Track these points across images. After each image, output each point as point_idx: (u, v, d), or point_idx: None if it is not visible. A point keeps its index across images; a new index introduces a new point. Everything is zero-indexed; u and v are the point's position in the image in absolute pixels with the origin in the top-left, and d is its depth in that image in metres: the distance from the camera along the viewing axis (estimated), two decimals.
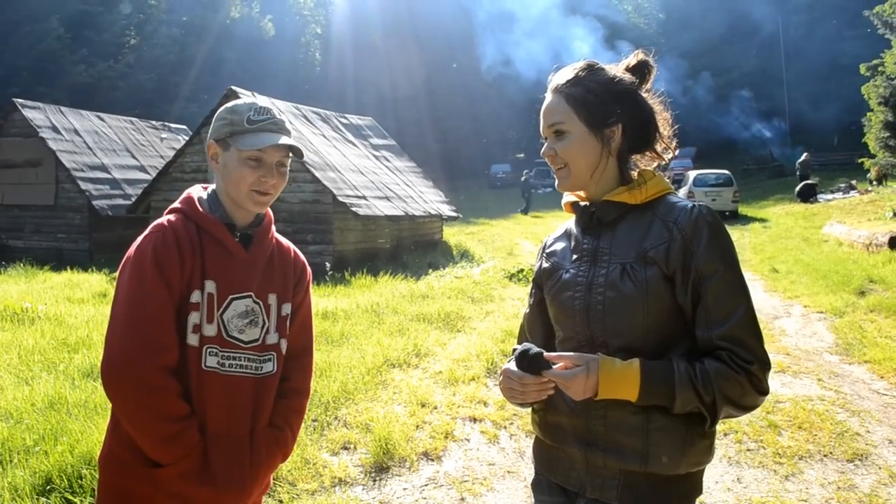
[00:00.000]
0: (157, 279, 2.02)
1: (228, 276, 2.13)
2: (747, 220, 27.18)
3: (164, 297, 2.02)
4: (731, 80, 53.68)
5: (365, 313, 10.00)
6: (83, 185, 20.50)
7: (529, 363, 1.87)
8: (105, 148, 22.82)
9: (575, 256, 2.02)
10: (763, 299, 11.51)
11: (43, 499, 4.08)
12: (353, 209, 16.95)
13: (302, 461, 4.87)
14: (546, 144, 2.02)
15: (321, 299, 11.51)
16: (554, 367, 1.84)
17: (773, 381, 6.85)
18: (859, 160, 31.00)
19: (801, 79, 53.04)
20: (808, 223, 23.11)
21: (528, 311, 2.23)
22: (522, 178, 36.37)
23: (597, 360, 1.81)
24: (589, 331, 1.92)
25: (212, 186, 2.27)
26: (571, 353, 1.85)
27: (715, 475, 4.81)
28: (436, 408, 6.12)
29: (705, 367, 1.79)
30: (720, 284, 1.82)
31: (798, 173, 33.48)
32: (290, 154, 2.20)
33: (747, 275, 14.15)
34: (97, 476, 2.20)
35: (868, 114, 28.54)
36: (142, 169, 23.27)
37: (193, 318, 2.07)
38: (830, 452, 5.17)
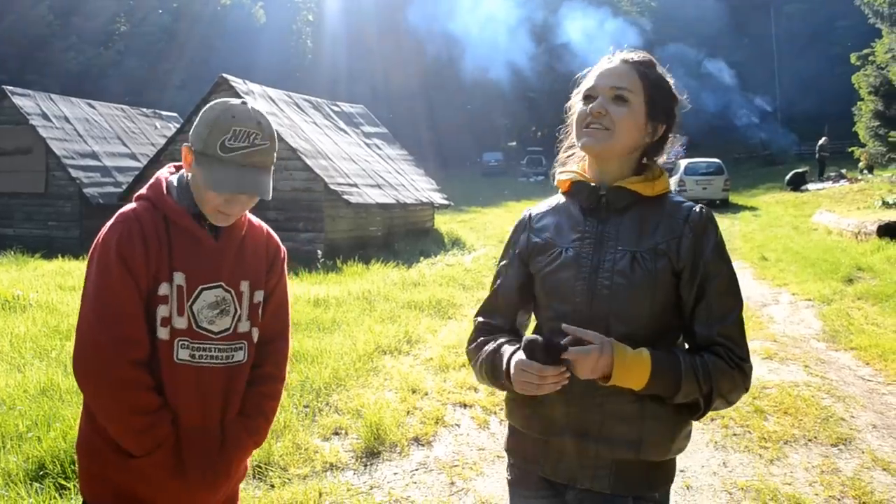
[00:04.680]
0: (123, 273, 1.98)
1: (197, 266, 2.08)
2: (738, 208, 27.30)
3: (131, 290, 1.99)
4: (722, 69, 53.65)
5: (356, 301, 10.04)
6: (74, 173, 20.41)
7: (548, 353, 1.79)
8: (96, 136, 22.71)
9: (575, 236, 2.01)
10: (752, 287, 11.57)
11: (36, 484, 4.11)
12: (345, 197, 16.95)
13: (294, 446, 4.91)
14: (598, 101, 1.97)
15: (312, 287, 11.54)
16: (567, 348, 1.80)
17: (761, 367, 6.92)
18: (849, 149, 31.13)
19: (793, 68, 53.09)
20: (798, 212, 23.23)
21: (505, 283, 2.17)
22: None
23: (611, 343, 1.81)
24: (591, 313, 1.92)
25: (183, 170, 2.17)
26: (590, 332, 1.82)
27: (701, 459, 4.88)
28: (426, 394, 6.16)
29: (706, 360, 1.86)
30: (723, 285, 1.91)
31: (817, 156, 33.57)
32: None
33: (737, 263, 14.23)
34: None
35: (858, 103, 28.66)
36: (132, 157, 23.18)
37: (162, 311, 2.03)
38: (815, 437, 5.24)
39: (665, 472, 2.00)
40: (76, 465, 4.14)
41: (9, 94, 21.24)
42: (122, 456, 2.03)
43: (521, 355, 1.86)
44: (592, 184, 2.03)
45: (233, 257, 2.16)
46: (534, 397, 1.91)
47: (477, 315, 2.24)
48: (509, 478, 2.18)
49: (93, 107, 24.39)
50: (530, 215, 2.19)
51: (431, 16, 50.37)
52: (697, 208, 1.96)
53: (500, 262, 2.23)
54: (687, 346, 1.98)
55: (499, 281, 2.19)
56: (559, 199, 2.15)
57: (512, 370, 1.90)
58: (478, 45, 48.37)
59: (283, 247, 2.36)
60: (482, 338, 2.14)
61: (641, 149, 2.02)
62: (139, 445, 2.01)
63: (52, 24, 42.88)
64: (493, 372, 2.03)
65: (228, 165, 1.98)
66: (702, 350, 1.89)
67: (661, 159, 2.09)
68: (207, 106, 2.08)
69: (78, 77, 42.19)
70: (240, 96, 17.54)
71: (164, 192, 2.11)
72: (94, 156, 21.72)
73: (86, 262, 2.10)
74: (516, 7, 50.02)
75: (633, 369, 1.80)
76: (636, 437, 1.89)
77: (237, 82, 18.34)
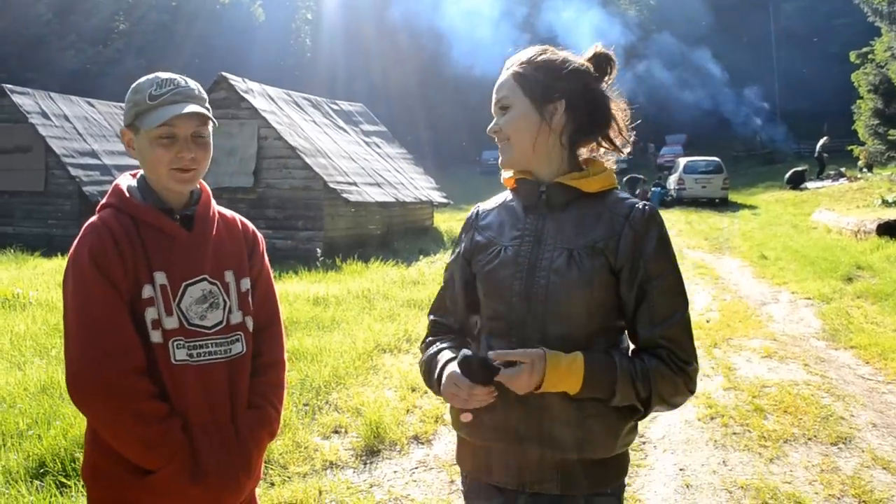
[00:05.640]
0: (101, 281, 1.93)
1: (177, 263, 2.04)
2: (737, 206, 27.32)
3: (112, 298, 1.94)
4: (721, 67, 53.64)
5: (356, 299, 10.05)
6: (73, 171, 20.39)
7: (482, 373, 1.78)
8: (95, 134, 22.68)
9: (516, 234, 1.98)
10: (751, 286, 11.59)
11: (37, 482, 4.11)
12: (344, 195, 16.95)
13: (293, 445, 4.91)
14: (493, 121, 2.01)
15: (312, 285, 11.54)
16: (501, 369, 1.78)
17: (760, 365, 6.94)
18: (849, 147, 31.14)
19: (791, 66, 53.12)
20: (798, 210, 23.23)
21: (452, 282, 2.14)
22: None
23: (542, 355, 1.78)
24: (527, 313, 1.90)
25: (141, 172, 2.15)
26: (517, 350, 1.80)
27: (701, 458, 4.88)
28: (426, 392, 6.15)
29: (645, 364, 1.83)
30: (665, 286, 1.87)
31: (816, 155, 33.59)
32: (208, 122, 2.09)
33: (736, 261, 14.29)
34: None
35: (858, 101, 28.66)
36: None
37: (150, 313, 1.98)
38: (815, 436, 5.24)
39: (616, 467, 1.97)
40: (77, 464, 4.18)
41: (8, 93, 21.20)
42: (137, 474, 1.97)
43: (455, 368, 1.85)
44: (532, 181, 2.01)
45: (211, 248, 2.12)
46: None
47: (429, 313, 2.23)
48: (462, 489, 2.15)
49: (92, 105, 24.36)
50: (477, 213, 2.17)
51: (429, 12, 50.33)
52: (640, 205, 1.91)
53: (449, 259, 2.19)
54: (632, 346, 1.96)
55: (446, 280, 2.17)
56: (507, 195, 2.12)
57: (444, 380, 1.90)
58: (472, 41, 48.36)
59: (259, 234, 2.34)
60: (430, 338, 2.14)
61: (555, 135, 1.97)
62: (154, 457, 1.95)
63: (50, 22, 42.81)
64: (427, 376, 2.04)
65: (160, 106, 2.01)
66: (645, 352, 1.87)
67: (621, 141, 2.04)
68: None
69: (77, 75, 42.11)
70: (239, 94, 17.56)
71: (126, 194, 2.07)
72: (93, 154, 21.70)
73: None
74: (512, 2, 50.04)
75: (566, 376, 1.78)
76: (578, 437, 1.86)
77: (236, 80, 18.33)
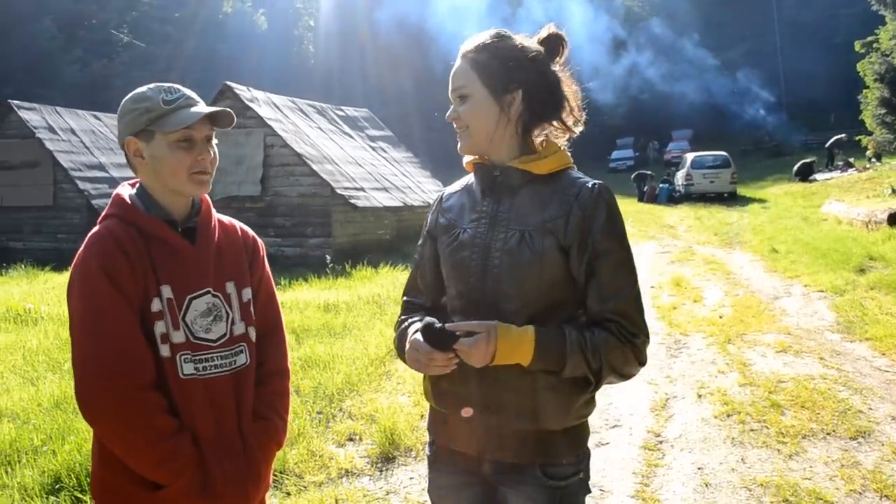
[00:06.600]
0: (111, 290, 1.88)
1: (181, 276, 2.01)
2: (746, 200, 27.20)
3: (123, 308, 1.89)
4: (726, 60, 53.53)
5: (367, 305, 10.04)
6: (81, 185, 20.50)
7: (439, 339, 1.86)
8: (102, 147, 22.80)
9: (474, 217, 2.06)
10: (763, 279, 11.52)
11: (52, 498, 4.11)
12: (352, 201, 16.96)
13: (308, 453, 4.90)
14: (451, 108, 2.05)
15: (322, 292, 11.54)
16: (460, 337, 1.86)
17: (776, 360, 6.88)
18: (856, 137, 31.02)
19: (797, 57, 52.94)
20: (807, 202, 23.09)
21: (421, 263, 2.23)
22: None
23: (495, 326, 1.85)
24: (484, 292, 1.96)
25: (139, 182, 2.11)
26: (473, 322, 1.88)
27: (719, 456, 4.84)
28: None
29: (595, 336, 1.89)
30: (613, 262, 1.92)
31: (826, 145, 33.59)
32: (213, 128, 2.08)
33: (747, 256, 14.23)
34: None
35: (864, 91, 28.56)
36: None
37: (159, 327, 1.95)
38: (833, 430, 5.19)
39: (572, 439, 2.01)
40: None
41: (15, 108, 21.34)
42: (146, 489, 1.95)
43: (418, 335, 1.93)
44: (488, 165, 2.06)
45: (213, 260, 2.10)
46: (440, 375, 1.96)
47: (403, 294, 2.31)
48: (429, 454, 2.22)
49: (98, 118, 24.49)
50: (442, 196, 2.23)
51: (418, 12, 50.36)
52: (590, 184, 1.96)
53: (419, 242, 2.28)
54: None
55: (417, 261, 2.26)
56: (470, 178, 2.18)
57: (407, 346, 1.98)
58: (461, 39, 48.30)
59: (259, 240, 2.33)
60: (403, 316, 2.22)
61: (512, 123, 2.00)
62: (166, 473, 1.92)
63: (56, 37, 43.09)
64: (400, 351, 2.11)
65: (178, 110, 2.00)
66: (594, 325, 1.92)
67: (572, 121, 2.06)
68: (122, 104, 2.07)
69: (83, 89, 42.41)
70: (244, 103, 17.58)
71: (130, 205, 2.04)
72: (101, 167, 21.80)
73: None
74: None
75: (517, 348, 1.85)
76: (531, 407, 1.92)
77: (241, 89, 18.37)
